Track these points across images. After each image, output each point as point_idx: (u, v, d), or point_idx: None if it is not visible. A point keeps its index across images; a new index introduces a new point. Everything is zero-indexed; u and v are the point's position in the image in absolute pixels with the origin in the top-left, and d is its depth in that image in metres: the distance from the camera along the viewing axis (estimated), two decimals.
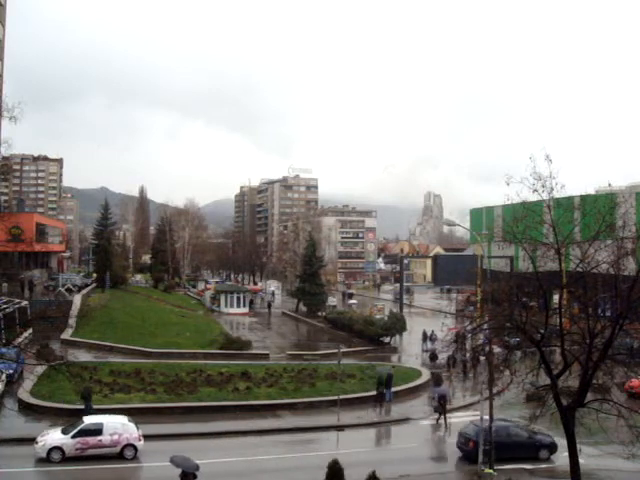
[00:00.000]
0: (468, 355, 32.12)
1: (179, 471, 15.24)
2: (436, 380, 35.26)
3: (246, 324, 65.32)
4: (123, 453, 23.26)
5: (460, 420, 30.49)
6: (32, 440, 22.93)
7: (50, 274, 78.64)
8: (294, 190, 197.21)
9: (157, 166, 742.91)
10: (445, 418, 30.06)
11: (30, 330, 32.81)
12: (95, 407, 28.09)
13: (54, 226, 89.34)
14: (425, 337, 49.86)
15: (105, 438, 23.20)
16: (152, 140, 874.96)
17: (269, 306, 78.41)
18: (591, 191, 68.40)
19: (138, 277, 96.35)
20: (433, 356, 44.34)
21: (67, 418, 27.11)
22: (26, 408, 27.98)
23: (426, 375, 37.77)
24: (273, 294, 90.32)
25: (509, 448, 24.16)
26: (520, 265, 29.61)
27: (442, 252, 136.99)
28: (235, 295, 75.52)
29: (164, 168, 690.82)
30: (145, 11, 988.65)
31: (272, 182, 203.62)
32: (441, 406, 30.16)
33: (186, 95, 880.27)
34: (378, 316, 58.54)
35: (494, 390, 22.32)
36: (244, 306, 75.00)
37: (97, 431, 23.22)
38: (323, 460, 19.54)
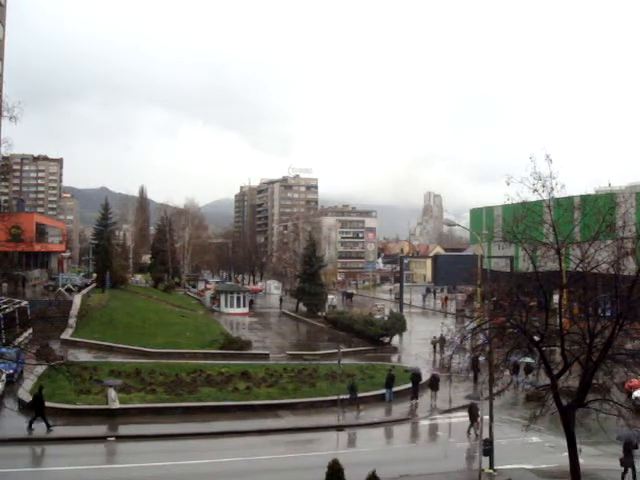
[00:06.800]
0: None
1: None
2: (473, 411, 26.92)
3: (246, 324, 65.31)
4: None
5: (460, 420, 30.52)
6: (32, 440, 22.70)
7: (50, 274, 78.70)
8: (294, 190, 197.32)
9: (157, 166, 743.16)
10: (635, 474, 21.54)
11: (30, 330, 32.78)
12: (94, 407, 28.14)
13: (54, 226, 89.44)
14: None
15: None
16: (152, 140, 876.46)
17: (281, 301, 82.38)
18: (591, 191, 68.40)
19: (138, 277, 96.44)
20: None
21: (67, 418, 27.18)
22: (26, 408, 27.92)
23: (426, 376, 37.59)
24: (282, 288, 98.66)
25: None
26: (520, 265, 29.62)
27: (442, 252, 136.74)
28: (235, 295, 75.55)
29: (164, 168, 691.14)
30: (145, 9, 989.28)
31: (272, 182, 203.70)
32: (631, 457, 21.65)
33: (186, 95, 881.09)
34: (378, 316, 58.54)
35: (494, 390, 22.32)
36: (244, 306, 74.99)
37: None
38: (323, 460, 19.50)
